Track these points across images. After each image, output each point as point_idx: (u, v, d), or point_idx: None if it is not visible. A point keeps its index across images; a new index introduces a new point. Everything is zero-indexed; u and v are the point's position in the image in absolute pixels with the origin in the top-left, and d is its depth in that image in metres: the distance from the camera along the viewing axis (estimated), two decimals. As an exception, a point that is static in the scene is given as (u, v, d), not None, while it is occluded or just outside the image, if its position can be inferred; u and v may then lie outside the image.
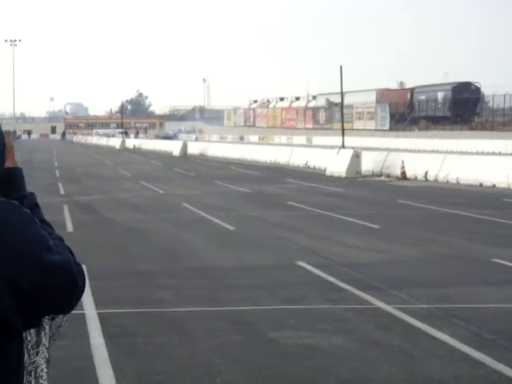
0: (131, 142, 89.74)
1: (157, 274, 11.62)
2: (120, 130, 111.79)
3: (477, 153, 48.52)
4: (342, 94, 41.28)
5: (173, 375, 6.88)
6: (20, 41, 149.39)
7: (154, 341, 7.94)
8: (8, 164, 2.08)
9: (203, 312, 9.24)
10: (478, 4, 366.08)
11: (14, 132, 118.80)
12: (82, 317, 8.61)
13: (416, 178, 31.88)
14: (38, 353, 2.11)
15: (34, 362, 2.10)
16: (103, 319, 8.75)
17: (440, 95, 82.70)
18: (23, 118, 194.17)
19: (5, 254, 1.81)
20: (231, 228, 16.98)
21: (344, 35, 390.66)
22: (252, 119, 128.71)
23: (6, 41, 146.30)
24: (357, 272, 11.63)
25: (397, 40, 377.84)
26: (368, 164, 35.00)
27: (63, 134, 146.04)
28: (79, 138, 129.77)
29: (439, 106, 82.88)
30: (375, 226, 17.04)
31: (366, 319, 8.87)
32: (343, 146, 38.32)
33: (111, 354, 7.42)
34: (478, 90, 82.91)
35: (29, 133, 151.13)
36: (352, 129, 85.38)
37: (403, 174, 32.29)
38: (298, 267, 12.08)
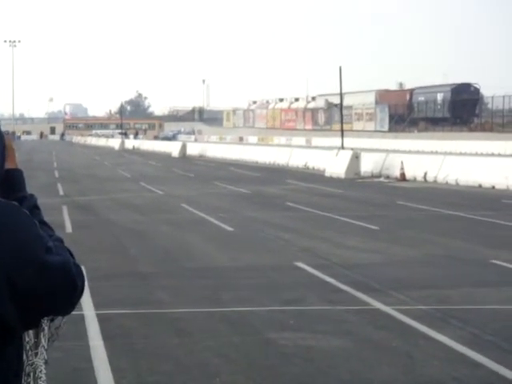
0: (130, 143, 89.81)
1: (156, 275, 11.62)
2: (119, 131, 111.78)
3: (476, 154, 48.56)
4: (342, 95, 41.30)
5: (172, 376, 6.88)
6: (19, 41, 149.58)
7: (152, 341, 7.95)
8: (8, 165, 2.08)
9: (202, 313, 9.24)
10: (478, 5, 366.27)
11: (13, 133, 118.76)
12: (81, 318, 8.61)
13: (415, 179, 31.89)
14: (36, 354, 2.11)
15: (33, 363, 2.10)
16: (102, 320, 8.75)
17: (439, 96, 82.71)
18: (22, 119, 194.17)
19: (4, 255, 1.81)
20: (230, 229, 16.99)
21: (343, 36, 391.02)
22: (251, 120, 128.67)
23: (5, 41, 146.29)
24: (356, 273, 11.64)
25: (396, 41, 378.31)
26: (367, 165, 35.01)
27: (62, 135, 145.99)
28: (78, 139, 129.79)
29: (438, 107, 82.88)
30: (374, 227, 17.04)
31: (364, 320, 8.88)
32: (342, 147, 38.34)
33: (110, 354, 7.42)
34: (477, 91, 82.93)
35: (41, 134, 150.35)
36: (351, 130, 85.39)
37: (402, 175, 32.31)
38: (297, 268, 12.09)
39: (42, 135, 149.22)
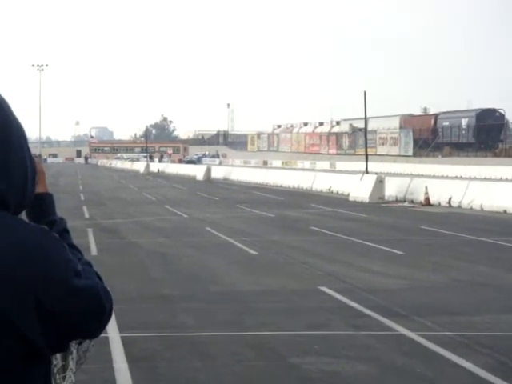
0: (155, 166, 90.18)
1: (180, 298, 11.63)
2: (144, 154, 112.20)
3: (501, 179, 48.29)
4: (366, 120, 41.28)
5: (195, 400, 6.87)
6: (47, 65, 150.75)
7: (176, 365, 7.95)
8: (39, 189, 2.10)
9: (226, 336, 9.23)
10: (503, 30, 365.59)
11: (40, 155, 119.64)
12: (106, 340, 8.63)
13: (440, 204, 31.75)
14: (64, 377, 2.12)
15: (61, 386, 2.11)
16: (126, 343, 8.77)
17: (464, 121, 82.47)
18: (49, 142, 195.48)
19: (33, 278, 1.83)
20: (254, 252, 16.98)
21: (368, 61, 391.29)
22: (275, 144, 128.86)
23: (33, 65, 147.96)
24: (380, 298, 11.58)
25: (421, 66, 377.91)
26: (391, 189, 34.91)
27: (86, 158, 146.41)
28: (104, 162, 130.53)
29: (463, 132, 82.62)
30: (398, 252, 16.97)
31: (389, 346, 8.83)
32: (367, 172, 38.28)
33: (134, 377, 7.43)
34: (502, 116, 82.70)
35: (86, 157, 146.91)
36: (375, 154, 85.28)
37: (427, 199, 32.17)
38: (321, 292, 12.05)
39: (86, 159, 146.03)
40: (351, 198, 35.39)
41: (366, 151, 41.13)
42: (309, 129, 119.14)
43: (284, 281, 13.27)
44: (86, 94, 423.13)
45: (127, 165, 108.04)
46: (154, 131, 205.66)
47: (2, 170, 1.90)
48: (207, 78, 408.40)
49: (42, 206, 2.13)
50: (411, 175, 46.03)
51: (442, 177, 50.85)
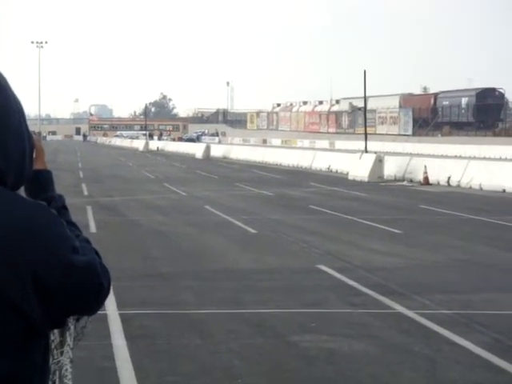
0: (155, 144, 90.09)
1: (178, 276, 11.66)
2: (143, 132, 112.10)
3: (500, 159, 48.26)
4: (366, 99, 41.18)
5: (193, 377, 6.91)
6: (46, 42, 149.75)
7: (175, 342, 7.98)
8: (37, 166, 2.11)
9: (224, 314, 9.26)
10: (503, 10, 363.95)
11: (39, 133, 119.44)
12: (104, 317, 8.66)
13: (439, 184, 31.76)
14: (62, 353, 2.13)
15: (59, 361, 2.12)
16: (125, 320, 8.80)
17: (464, 101, 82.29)
18: (48, 119, 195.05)
19: (31, 254, 1.84)
20: (253, 231, 17.00)
21: (368, 39, 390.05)
22: (275, 123, 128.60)
23: (32, 42, 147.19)
24: (378, 276, 11.62)
25: (421, 45, 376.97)
26: (391, 169, 34.91)
27: (84, 136, 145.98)
28: (103, 140, 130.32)
29: (463, 111, 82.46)
30: (397, 231, 17.00)
31: (387, 324, 8.86)
32: (366, 151, 38.25)
33: (133, 354, 7.46)
34: (502, 95, 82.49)
35: (85, 135, 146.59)
36: (375, 133, 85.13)
37: (426, 179, 32.18)
38: (320, 271, 12.09)
39: (85, 137, 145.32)
40: (350, 177, 35.40)
41: (366, 130, 41.07)
42: (308, 107, 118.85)
43: (282, 259, 13.30)
44: (85, 72, 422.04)
45: (126, 143, 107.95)
46: (153, 109, 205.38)
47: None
48: (207, 55, 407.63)
49: (41, 182, 2.13)
50: (410, 154, 45.99)
51: (442, 156, 50.80)
